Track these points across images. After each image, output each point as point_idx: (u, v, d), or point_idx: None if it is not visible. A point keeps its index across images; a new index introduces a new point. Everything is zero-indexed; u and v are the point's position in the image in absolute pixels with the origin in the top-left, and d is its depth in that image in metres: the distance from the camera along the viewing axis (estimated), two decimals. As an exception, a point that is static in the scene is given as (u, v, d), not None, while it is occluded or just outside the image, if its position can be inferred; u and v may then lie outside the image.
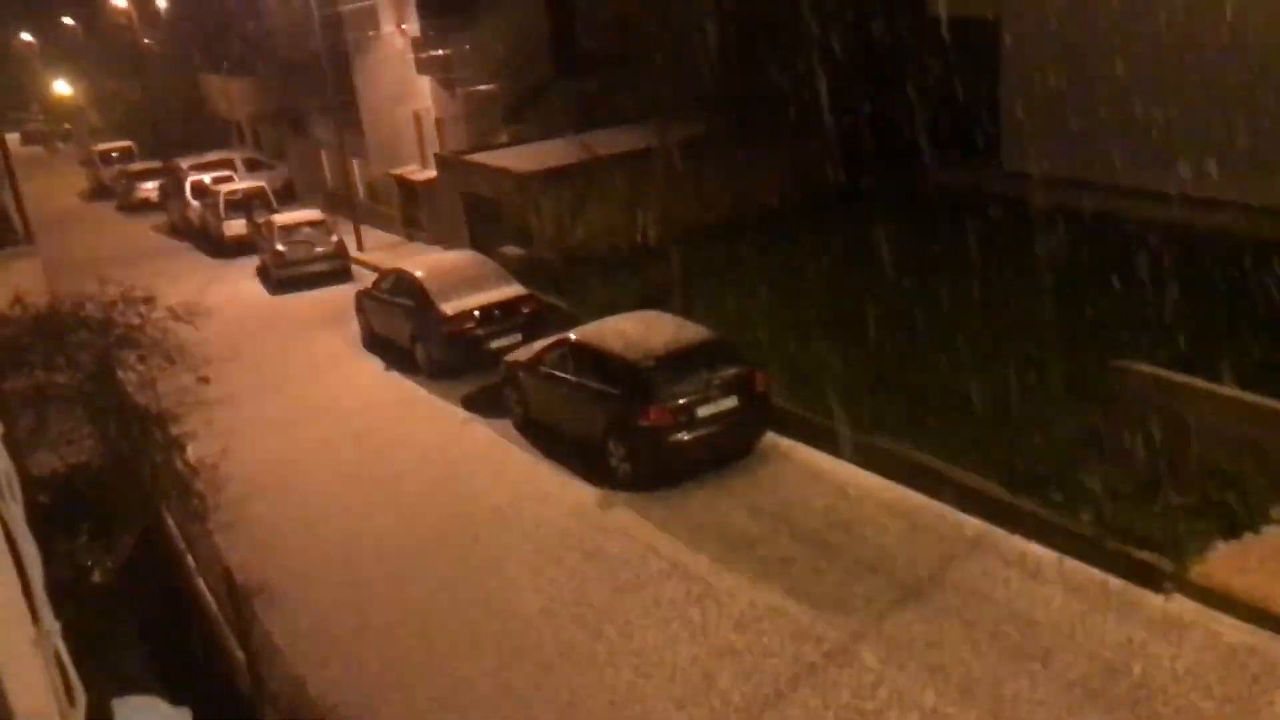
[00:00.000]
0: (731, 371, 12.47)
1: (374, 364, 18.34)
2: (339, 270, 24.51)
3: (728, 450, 12.53)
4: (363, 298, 19.35)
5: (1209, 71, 16.15)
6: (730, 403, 12.32)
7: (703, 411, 12.14)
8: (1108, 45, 17.61)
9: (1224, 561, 9.20)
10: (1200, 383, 10.27)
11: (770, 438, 12.91)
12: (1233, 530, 9.52)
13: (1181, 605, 9.01)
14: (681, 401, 12.05)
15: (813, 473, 12.18)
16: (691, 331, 13.07)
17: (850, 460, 12.16)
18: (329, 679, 9.57)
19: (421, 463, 14.03)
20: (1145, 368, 10.61)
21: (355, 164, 31.63)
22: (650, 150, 19.28)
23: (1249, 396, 9.93)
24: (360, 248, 26.45)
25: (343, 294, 22.09)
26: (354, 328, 19.76)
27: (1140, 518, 9.71)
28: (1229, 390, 10.08)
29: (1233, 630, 8.63)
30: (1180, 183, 16.26)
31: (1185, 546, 9.33)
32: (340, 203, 29.89)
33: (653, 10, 23.78)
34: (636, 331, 13.08)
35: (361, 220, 27.73)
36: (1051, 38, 18.59)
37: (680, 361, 12.43)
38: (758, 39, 22.60)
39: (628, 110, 22.90)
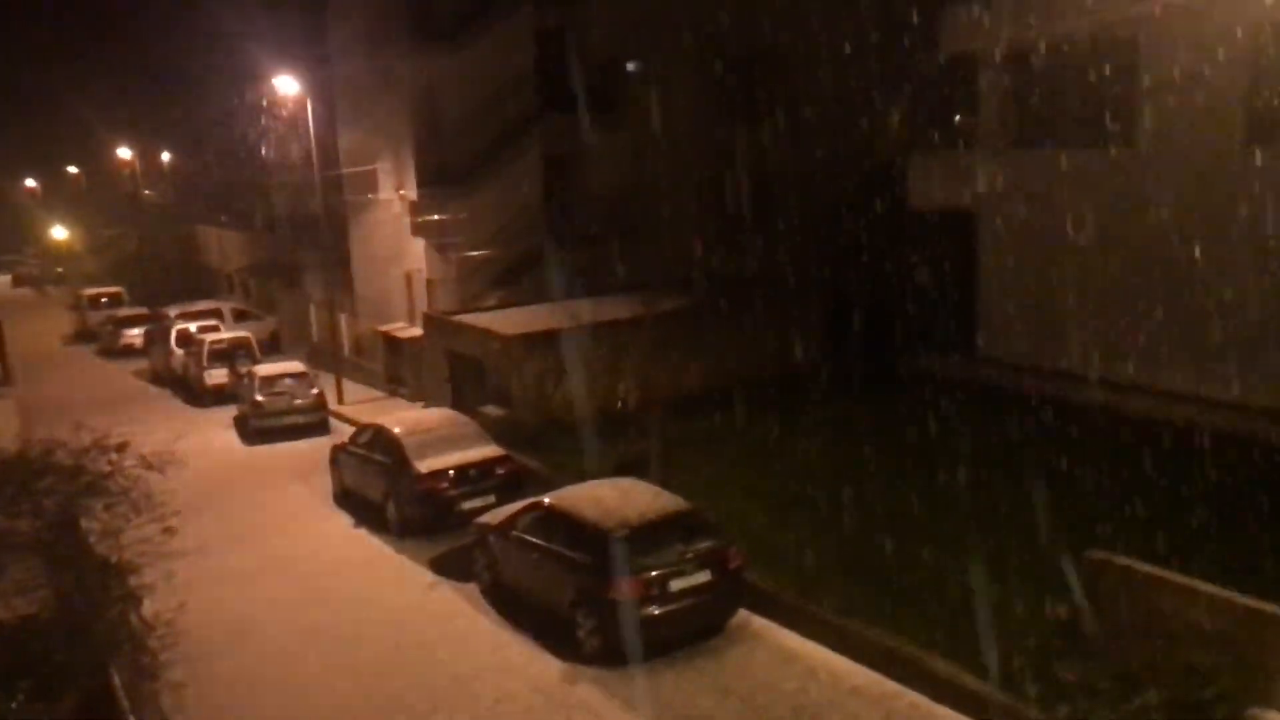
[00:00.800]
0: (706, 545, 12.32)
1: (344, 520, 18.08)
2: (317, 423, 24.46)
3: (699, 627, 12.25)
4: (338, 452, 19.24)
5: (1174, 264, 16.74)
6: (704, 577, 12.12)
7: (675, 585, 11.93)
8: (1076, 239, 18.30)
9: (1204, 766, 8.92)
10: (1174, 576, 10.20)
11: (742, 615, 12.65)
12: (1212, 732, 9.28)
13: (1162, 812, 8.69)
14: (654, 574, 11.86)
15: (784, 655, 11.89)
16: (667, 501, 12.98)
17: (823, 643, 11.90)
18: None
19: (384, 625, 13.63)
20: (1119, 560, 10.56)
21: (343, 319, 32.03)
22: (635, 320, 19.66)
23: (1223, 592, 9.85)
24: (341, 401, 26.49)
25: (319, 447, 21.96)
26: (327, 481, 19.57)
27: (1117, 715, 9.47)
28: (1204, 585, 10.00)
29: (1215, 842, 8.30)
30: (1149, 375, 16.65)
31: (1164, 749, 9.07)
32: (325, 356, 30.11)
33: (645, 189, 24.75)
34: (612, 499, 12.98)
35: (345, 374, 27.88)
36: (1022, 230, 19.32)
37: (654, 532, 12.29)
38: (745, 220, 23.42)
39: (615, 281, 23.47)
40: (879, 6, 22.00)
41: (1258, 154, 15.65)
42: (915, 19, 20.52)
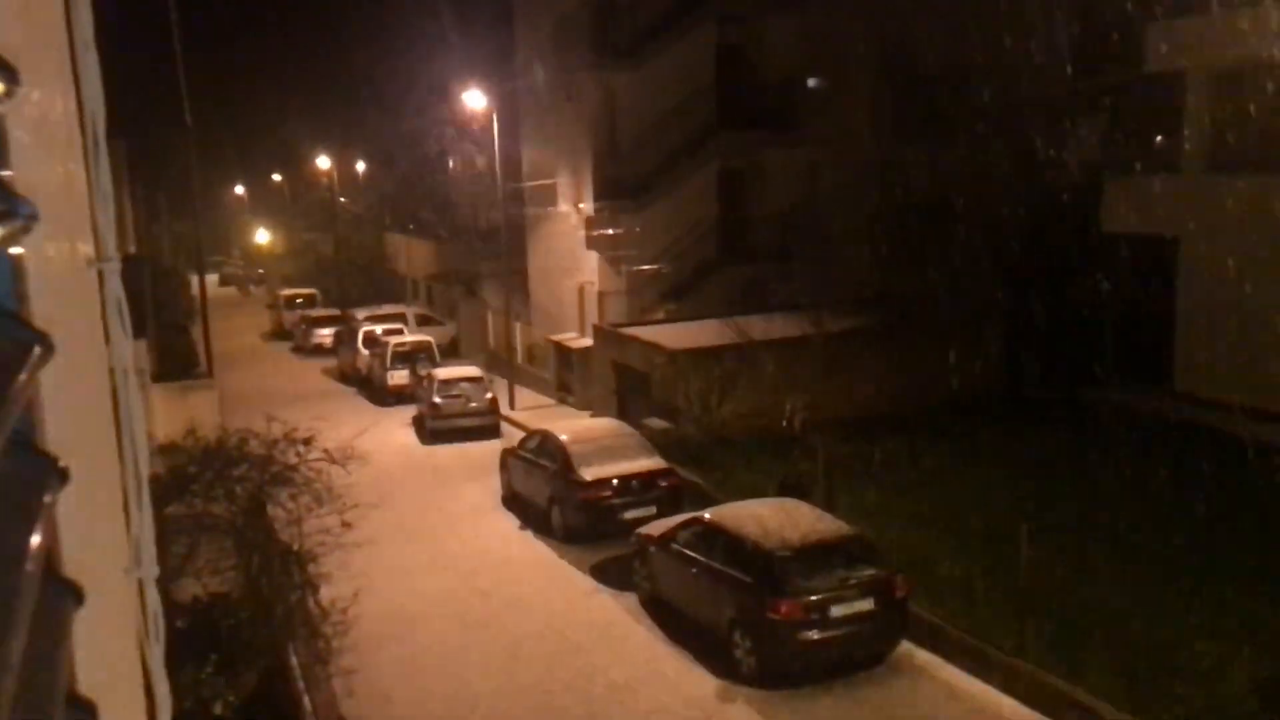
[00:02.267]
0: (869, 573, 12.00)
1: (511, 522, 18.52)
2: (489, 426, 25.15)
3: (860, 656, 11.93)
4: (508, 455, 19.73)
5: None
6: (866, 605, 11.80)
7: (836, 611, 11.66)
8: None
9: None
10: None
11: (905, 648, 12.25)
12: None
13: None
14: (815, 598, 11.63)
15: (948, 691, 11.44)
16: (831, 525, 12.73)
17: (990, 682, 11.38)
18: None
19: (544, 628, 13.88)
20: (1329, 619, 9.68)
21: (518, 327, 32.90)
22: (803, 339, 19.40)
23: None
24: (512, 406, 27.17)
25: (490, 449, 22.58)
26: (496, 484, 20.09)
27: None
28: None
29: None
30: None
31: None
32: (500, 362, 30.98)
33: (820, 207, 24.41)
34: (774, 519, 12.81)
35: (517, 381, 28.60)
36: (1228, 259, 18.06)
37: (817, 556, 12.07)
38: (922, 241, 22.78)
39: (787, 299, 23.24)
40: (1074, 22, 21.05)
41: None
42: (1112, 35, 19.54)
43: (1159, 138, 19.88)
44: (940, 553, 13.92)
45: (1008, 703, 11.04)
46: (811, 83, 28.21)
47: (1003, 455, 17.37)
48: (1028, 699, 10.94)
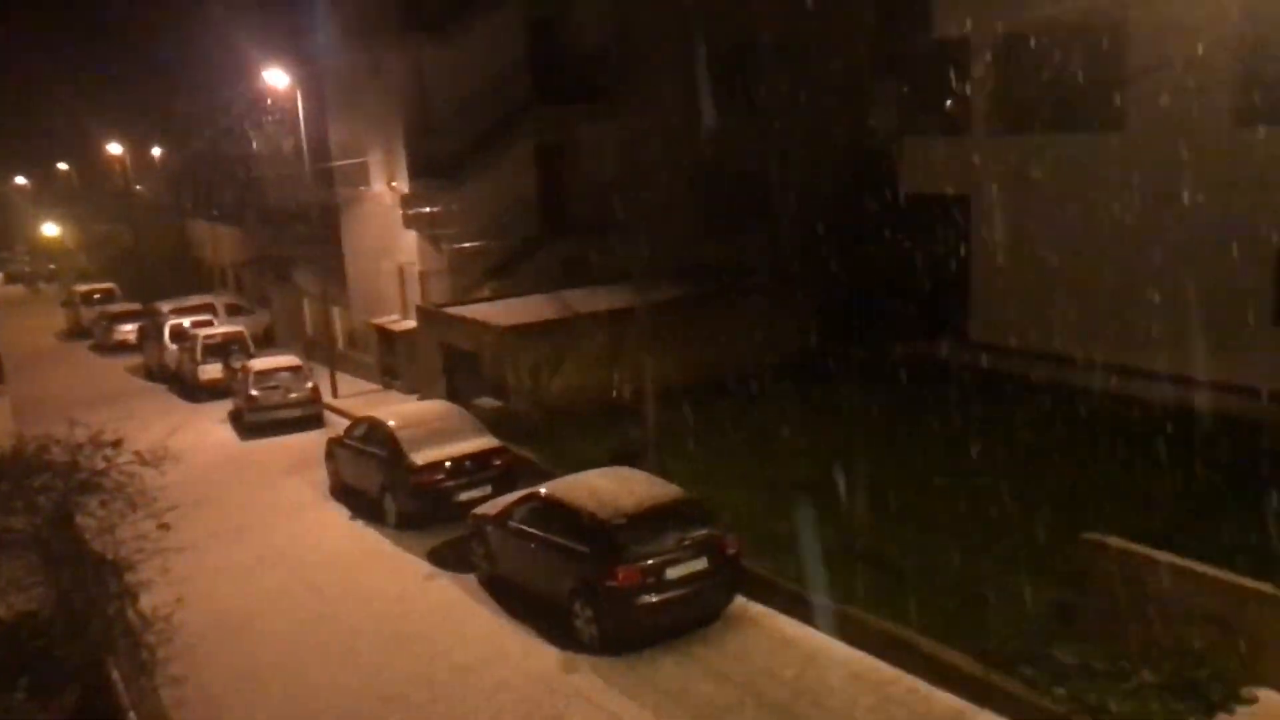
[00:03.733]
0: (702, 533, 12.35)
1: (340, 513, 18.08)
2: (312, 416, 24.46)
3: (697, 614, 12.28)
4: (333, 445, 19.24)
5: (1164, 251, 16.77)
6: (700, 565, 12.15)
7: (672, 573, 11.95)
8: (1067, 223, 18.32)
9: (1200, 745, 8.98)
10: (1169, 557, 10.25)
11: (740, 603, 12.68)
12: (1208, 711, 9.34)
13: (1158, 791, 8.75)
14: (651, 562, 11.88)
15: (782, 641, 11.93)
16: (663, 490, 13.00)
17: (821, 629, 11.94)
18: None
19: (382, 617, 13.65)
20: (1114, 541, 10.61)
21: (336, 312, 31.97)
22: (629, 310, 19.64)
23: (1217, 571, 9.90)
24: (335, 394, 26.46)
25: (314, 440, 21.95)
26: (322, 475, 19.57)
27: (1114, 696, 9.52)
28: (1197, 565, 10.06)
29: (1212, 819, 8.37)
30: (1141, 357, 16.69)
31: (1160, 728, 9.14)
32: (319, 350, 30.06)
33: (638, 178, 24.68)
34: (608, 488, 13.00)
35: (339, 368, 27.85)
36: (1014, 214, 19.33)
37: (651, 520, 12.31)
38: (738, 210, 23.39)
39: (610, 271, 23.45)
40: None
41: (1255, 133, 15.65)
42: (908, 2, 20.50)
43: (949, 102, 20.99)
44: (769, 509, 14.44)
45: (839, 647, 11.60)
46: (624, 56, 28.38)
47: (822, 412, 18.13)
48: (856, 642, 11.53)
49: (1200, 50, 16.03)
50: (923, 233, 20.77)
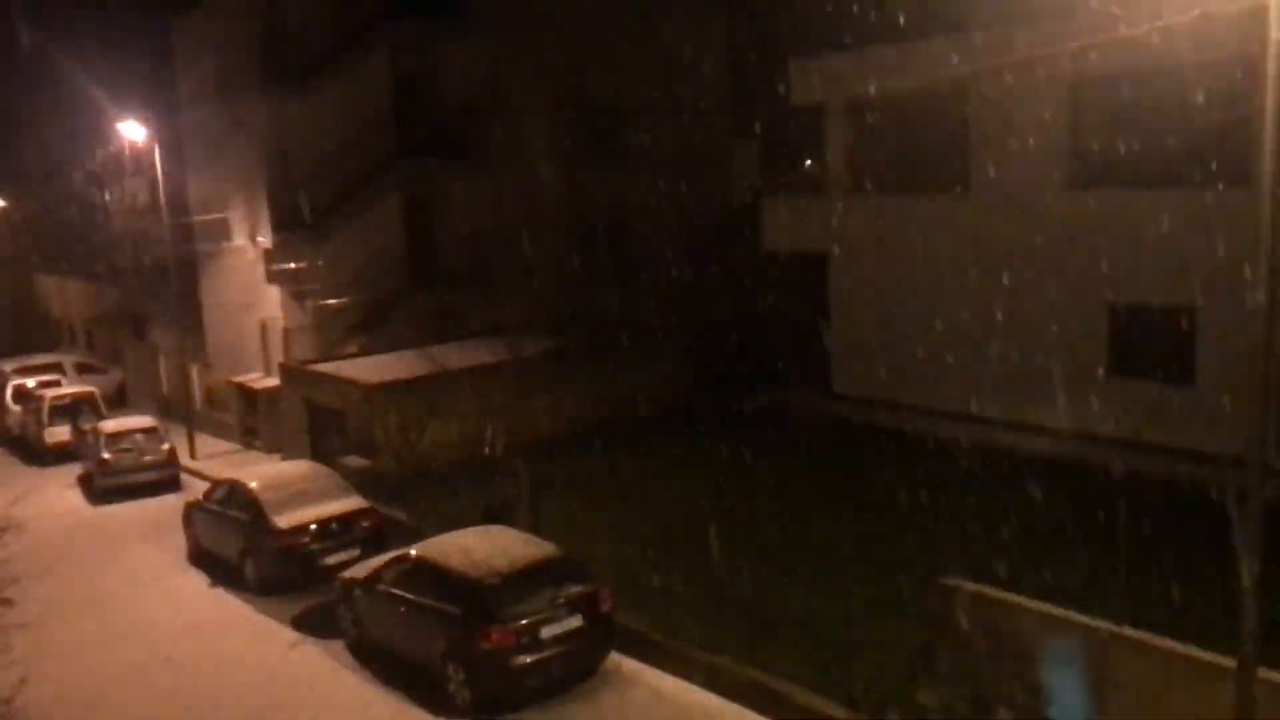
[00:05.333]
0: (577, 590, 12.33)
1: (199, 580, 17.35)
2: (168, 479, 23.48)
3: (572, 672, 12.22)
4: (192, 509, 18.50)
5: (1010, 306, 17.76)
6: (575, 623, 12.12)
7: (547, 632, 11.89)
8: (920, 280, 19.23)
9: (1053, 780, 9.39)
10: (1020, 599, 10.75)
11: (615, 658, 12.70)
12: (1060, 747, 9.79)
13: (1017, 827, 9.10)
14: (525, 622, 11.80)
15: (656, 695, 11.97)
16: (536, 548, 12.95)
17: (694, 681, 12.04)
18: None
19: (245, 690, 13.12)
20: (969, 586, 11.07)
21: (195, 370, 30.86)
22: (499, 364, 19.61)
23: (1064, 612, 10.43)
24: (193, 456, 25.48)
25: (171, 505, 21.05)
26: (180, 541, 18.76)
27: (974, 737, 9.90)
28: (1047, 607, 10.58)
29: None
30: (989, 407, 17.56)
31: (1017, 766, 9.53)
32: (176, 409, 28.93)
33: (508, 232, 24.81)
34: (480, 548, 12.87)
35: (197, 428, 26.84)
36: (869, 271, 20.19)
37: (524, 579, 12.24)
38: (606, 264, 23.72)
39: (478, 326, 23.39)
40: (733, 60, 22.76)
41: (1086, 196, 16.79)
42: (769, 71, 21.34)
43: (808, 163, 21.87)
44: (641, 561, 14.55)
45: (712, 700, 11.71)
46: (494, 110, 28.59)
47: (692, 462, 18.42)
48: (728, 693, 11.66)
49: (1035, 120, 17.18)
50: (785, 289, 21.47)
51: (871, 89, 19.47)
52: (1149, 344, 16.35)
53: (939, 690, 10.67)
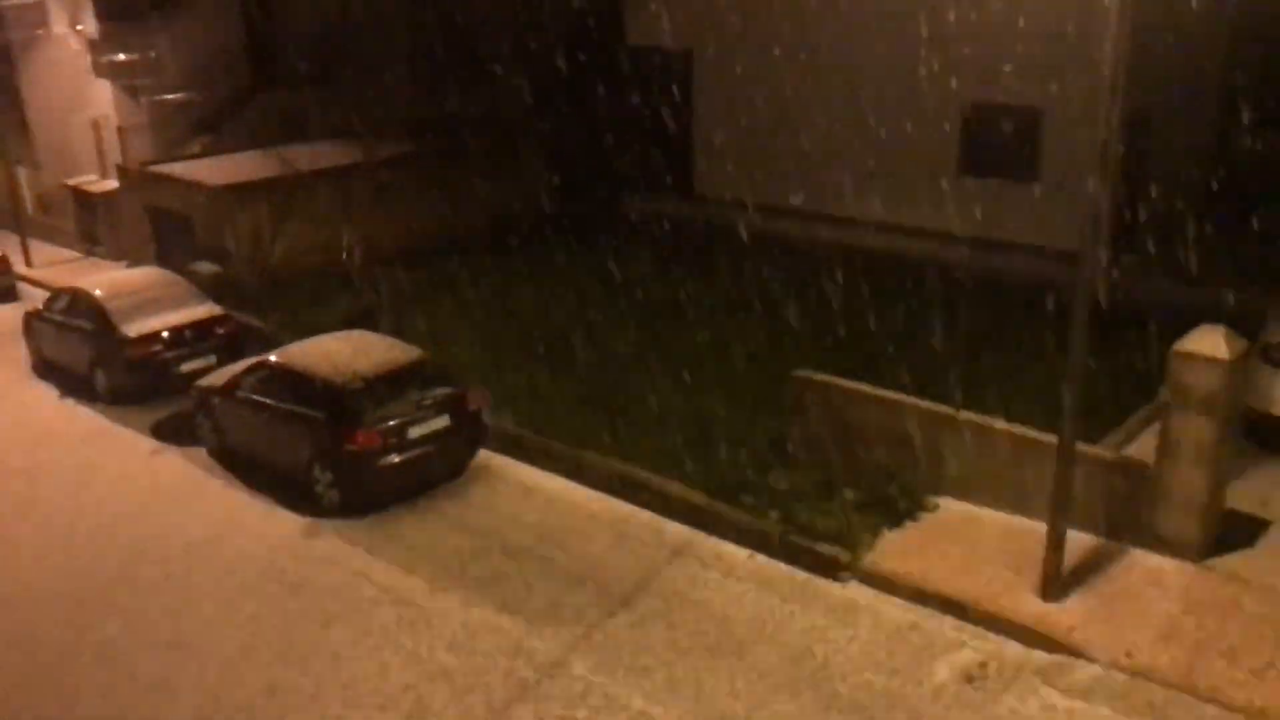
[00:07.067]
0: (442, 392, 12.43)
1: (48, 392, 16.72)
2: (3, 289, 22.19)
3: (440, 472, 12.46)
4: (32, 320, 17.63)
5: (870, 105, 17.91)
6: (442, 423, 12.27)
7: (413, 433, 12.02)
8: (783, 79, 19.11)
9: (890, 548, 10.25)
10: (865, 388, 11.38)
11: (483, 457, 12.98)
12: (897, 520, 10.63)
13: (856, 591, 9.95)
14: (391, 423, 11.88)
15: (525, 489, 12.37)
16: (400, 352, 12.89)
17: (561, 475, 12.46)
18: (-4, 744, 8.70)
19: (104, 498, 12.95)
20: (819, 377, 11.62)
21: (22, 172, 28.69)
22: (355, 167, 18.88)
23: (905, 398, 11.12)
24: (29, 264, 24.06)
25: (9, 315, 19.96)
26: (22, 352, 17.94)
27: (820, 515, 10.64)
28: (889, 393, 11.25)
29: (898, 610, 9.63)
30: (847, 207, 17.97)
31: (858, 538, 10.34)
32: (4, 216, 27.02)
33: (357, 28, 23.35)
34: (342, 353, 12.74)
35: (31, 235, 25.22)
36: (736, 71, 19.90)
37: (388, 383, 12.24)
38: (463, 62, 22.69)
39: (330, 126, 22.30)
40: None
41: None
42: None
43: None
44: (505, 366, 14.69)
45: (578, 490, 12.18)
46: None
47: (554, 268, 18.39)
48: (594, 484, 12.14)
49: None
50: (649, 88, 21.03)
51: None
52: (997, 144, 16.84)
53: (789, 475, 11.35)
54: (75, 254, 25.35)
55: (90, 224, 25.16)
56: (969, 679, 8.69)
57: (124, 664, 9.69)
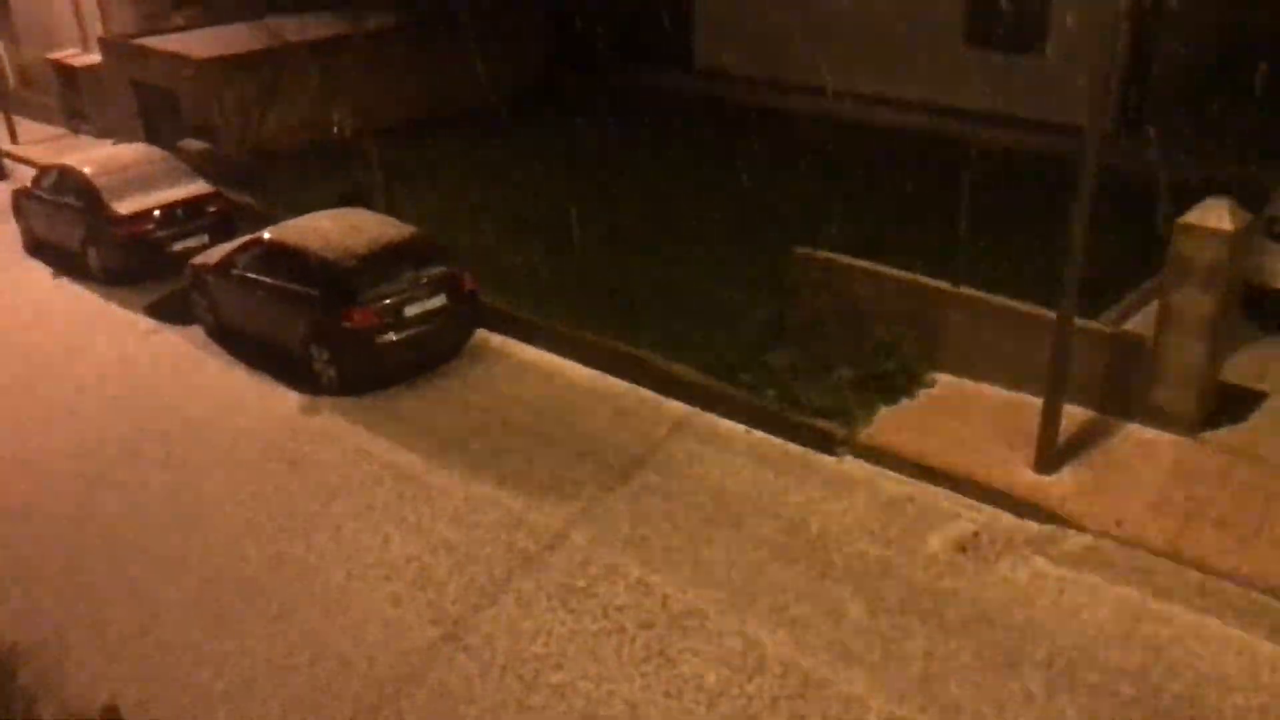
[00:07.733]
0: (439, 270, 12.33)
1: (41, 271, 16.60)
2: (-12, 168, 21.84)
3: (437, 350, 12.45)
4: (21, 198, 17.37)
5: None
6: (438, 301, 12.21)
7: (410, 311, 11.97)
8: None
9: (886, 424, 10.32)
10: (865, 263, 11.29)
11: (481, 336, 12.96)
12: (894, 396, 10.67)
13: (851, 465, 10.06)
14: (387, 301, 11.82)
15: (524, 368, 12.39)
16: (395, 230, 12.74)
17: (559, 353, 12.46)
18: (8, 613, 8.89)
19: (103, 377, 12.97)
20: (819, 253, 11.51)
21: (2, 46, 27.92)
22: (344, 38, 18.29)
23: (904, 274, 11.04)
24: (14, 140, 23.61)
25: (-3, 194, 19.71)
26: (12, 231, 17.75)
27: (816, 391, 10.68)
28: (889, 269, 11.16)
29: (893, 483, 9.76)
30: (851, 82, 17.52)
31: (854, 413, 10.40)
32: (-14, 91, 26.37)
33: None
34: (337, 230, 12.59)
35: (15, 110, 24.68)
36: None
37: (385, 260, 12.13)
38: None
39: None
40: None
41: None
42: None
43: None
44: (503, 244, 14.55)
45: (576, 368, 12.20)
46: None
47: (554, 144, 18.06)
48: (593, 362, 12.15)
49: None
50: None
51: None
52: (1003, 15, 16.34)
53: (787, 353, 11.34)
54: (61, 130, 24.84)
55: (74, 99, 24.58)
56: (962, 548, 8.85)
57: (131, 539, 9.85)
